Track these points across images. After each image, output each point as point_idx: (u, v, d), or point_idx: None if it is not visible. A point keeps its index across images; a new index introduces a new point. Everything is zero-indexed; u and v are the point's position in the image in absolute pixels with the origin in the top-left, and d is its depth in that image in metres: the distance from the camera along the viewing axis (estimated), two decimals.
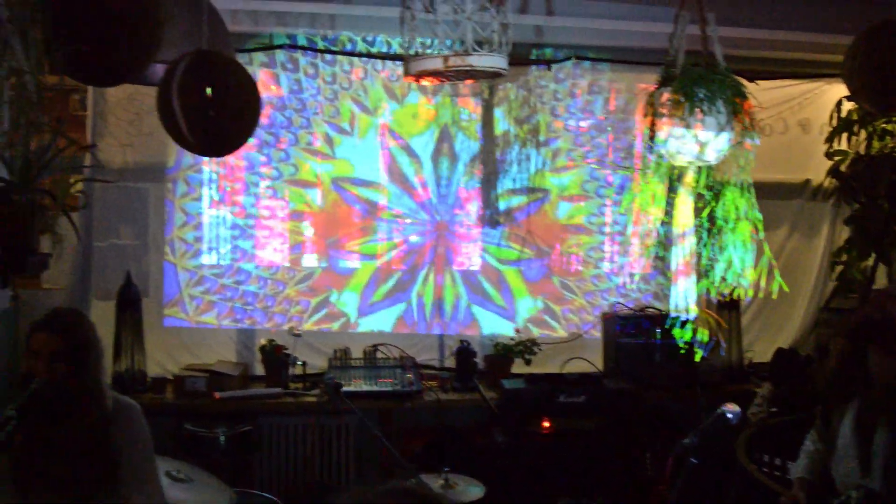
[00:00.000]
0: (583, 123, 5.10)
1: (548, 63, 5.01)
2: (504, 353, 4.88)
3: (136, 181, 4.71)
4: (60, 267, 4.45)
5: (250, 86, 2.48)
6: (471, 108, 4.98)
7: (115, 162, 4.64)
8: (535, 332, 5.06)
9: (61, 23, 2.22)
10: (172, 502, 2.90)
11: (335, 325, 4.95)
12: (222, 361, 4.68)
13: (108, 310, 4.50)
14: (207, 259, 4.85)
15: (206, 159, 4.73)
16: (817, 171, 5.27)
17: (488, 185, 4.98)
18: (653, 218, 3.22)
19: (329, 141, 4.93)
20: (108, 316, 4.44)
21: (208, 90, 2.39)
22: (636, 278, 5.02)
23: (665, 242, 3.21)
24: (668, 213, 3.19)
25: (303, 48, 4.81)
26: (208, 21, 2.69)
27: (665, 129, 2.91)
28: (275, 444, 4.59)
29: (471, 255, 5.06)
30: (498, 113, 4.98)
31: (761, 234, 3.11)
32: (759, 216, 3.10)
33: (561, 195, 5.10)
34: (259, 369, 4.74)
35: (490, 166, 4.98)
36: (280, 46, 4.79)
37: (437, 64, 2.58)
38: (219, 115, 2.40)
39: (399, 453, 3.65)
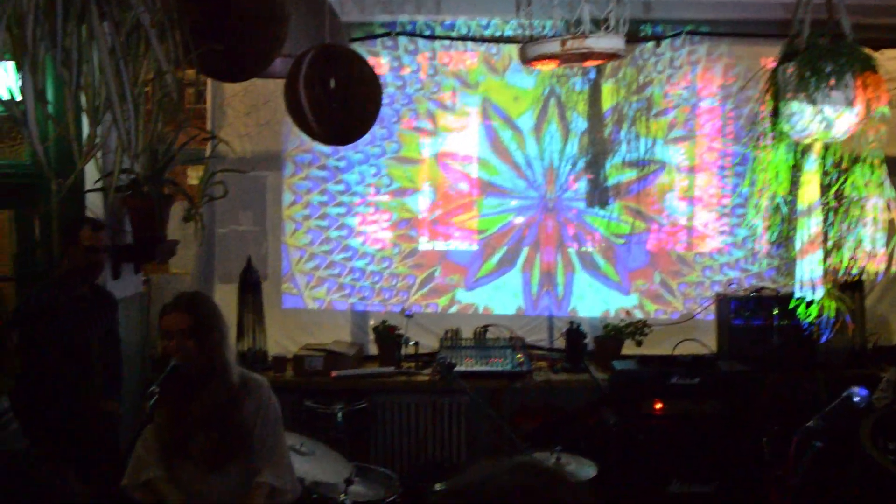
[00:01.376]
0: (698, 96, 4.96)
1: (657, 39, 4.89)
2: (614, 334, 4.84)
3: (254, 169, 4.89)
4: (187, 253, 4.71)
5: (371, 76, 2.55)
6: (578, 82, 4.91)
7: (234, 151, 4.83)
8: (651, 308, 4.99)
9: (196, 25, 2.35)
10: (298, 475, 2.96)
11: (442, 301, 5.00)
12: (338, 341, 4.81)
13: (231, 293, 4.70)
14: (315, 237, 4.96)
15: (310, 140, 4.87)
16: None
17: (598, 159, 4.92)
18: (775, 194, 3.11)
19: (432, 117, 4.95)
20: (230, 298, 4.64)
21: (332, 82, 2.46)
22: (758, 254, 4.87)
23: (789, 219, 3.10)
24: (793, 189, 3.07)
25: (402, 34, 4.84)
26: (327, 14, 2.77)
27: (790, 105, 2.81)
28: (389, 421, 4.70)
29: (580, 231, 5.01)
30: (608, 85, 4.89)
31: (893, 213, 2.97)
32: (892, 192, 2.96)
33: (676, 168, 4.98)
34: (373, 349, 4.84)
35: (599, 141, 4.91)
36: (387, 34, 4.85)
37: (554, 48, 2.56)
38: (343, 106, 2.48)
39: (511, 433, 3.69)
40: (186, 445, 2.62)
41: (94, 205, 4.09)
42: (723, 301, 4.73)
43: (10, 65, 1.97)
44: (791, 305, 3.25)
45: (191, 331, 2.60)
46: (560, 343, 4.91)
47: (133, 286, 4.46)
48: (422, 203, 4.99)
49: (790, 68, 2.85)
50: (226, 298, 4.63)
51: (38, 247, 4.01)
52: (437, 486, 3.11)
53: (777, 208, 3.11)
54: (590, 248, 5.01)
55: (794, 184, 3.08)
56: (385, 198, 4.99)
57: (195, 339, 2.60)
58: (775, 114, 3.00)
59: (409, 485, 3.73)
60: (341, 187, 4.97)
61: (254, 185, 4.88)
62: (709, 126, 4.97)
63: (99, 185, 4.03)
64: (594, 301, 5.03)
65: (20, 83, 1.98)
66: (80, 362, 3.52)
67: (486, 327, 4.88)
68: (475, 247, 5.02)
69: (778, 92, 2.96)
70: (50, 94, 3.14)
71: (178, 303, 2.65)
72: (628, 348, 4.83)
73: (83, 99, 2.19)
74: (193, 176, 4.93)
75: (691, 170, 4.99)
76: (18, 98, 2.08)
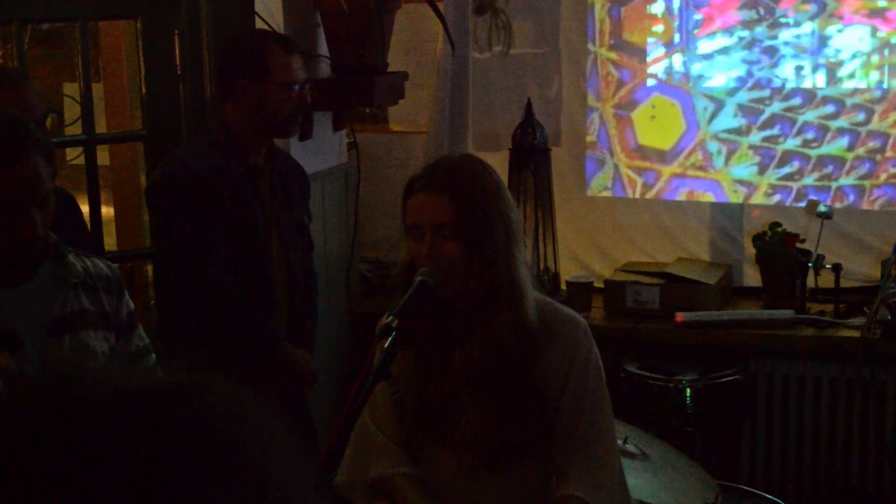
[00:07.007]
0: None
1: None
2: None
3: None
4: (418, 96, 3.41)
5: None
6: None
7: None
8: None
9: None
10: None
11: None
12: (685, 259, 3.11)
13: (496, 166, 3.05)
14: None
15: None
16: None
17: None
18: None
19: None
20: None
21: None
22: None
23: None
24: None
25: None
26: None
27: None
28: (777, 406, 3.08)
29: None
30: None
31: None
32: None
33: None
34: (751, 275, 3.09)
35: None
36: None
37: None
38: None
39: None
40: (447, 424, 1.90)
41: (268, 11, 2.92)
42: None
43: None
44: None
45: (456, 226, 1.80)
46: None
47: (333, 153, 3.22)
48: None
49: None
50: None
51: (181, 81, 2.97)
52: None
53: None
54: None
55: None
56: None
57: (463, 239, 1.81)
58: None
59: None
60: None
61: None
62: None
63: None
64: None
65: None
66: (251, 277, 2.58)
67: None
68: None
69: None
70: None
71: (435, 177, 1.83)
72: None
73: None
74: None
75: None
76: None
